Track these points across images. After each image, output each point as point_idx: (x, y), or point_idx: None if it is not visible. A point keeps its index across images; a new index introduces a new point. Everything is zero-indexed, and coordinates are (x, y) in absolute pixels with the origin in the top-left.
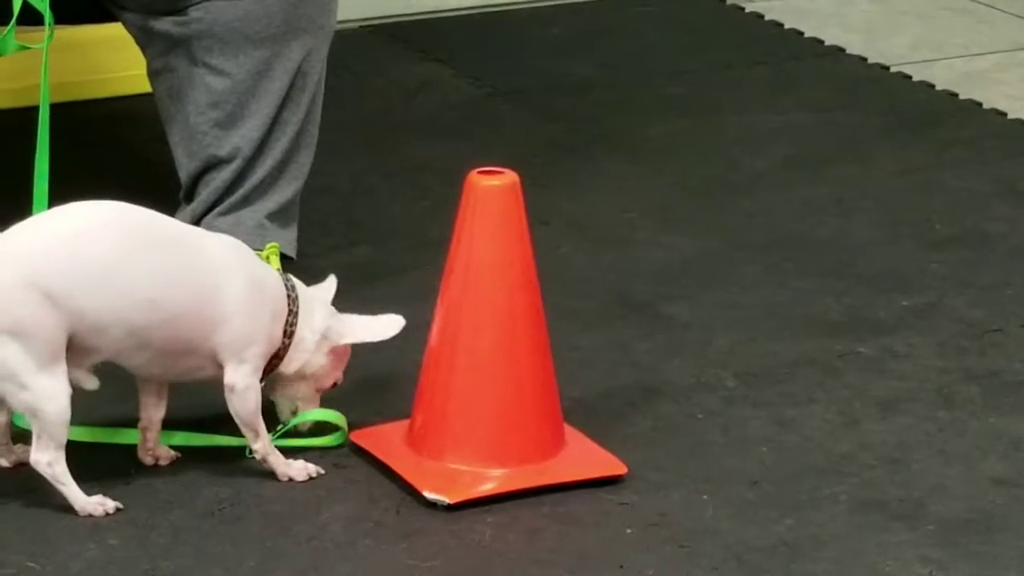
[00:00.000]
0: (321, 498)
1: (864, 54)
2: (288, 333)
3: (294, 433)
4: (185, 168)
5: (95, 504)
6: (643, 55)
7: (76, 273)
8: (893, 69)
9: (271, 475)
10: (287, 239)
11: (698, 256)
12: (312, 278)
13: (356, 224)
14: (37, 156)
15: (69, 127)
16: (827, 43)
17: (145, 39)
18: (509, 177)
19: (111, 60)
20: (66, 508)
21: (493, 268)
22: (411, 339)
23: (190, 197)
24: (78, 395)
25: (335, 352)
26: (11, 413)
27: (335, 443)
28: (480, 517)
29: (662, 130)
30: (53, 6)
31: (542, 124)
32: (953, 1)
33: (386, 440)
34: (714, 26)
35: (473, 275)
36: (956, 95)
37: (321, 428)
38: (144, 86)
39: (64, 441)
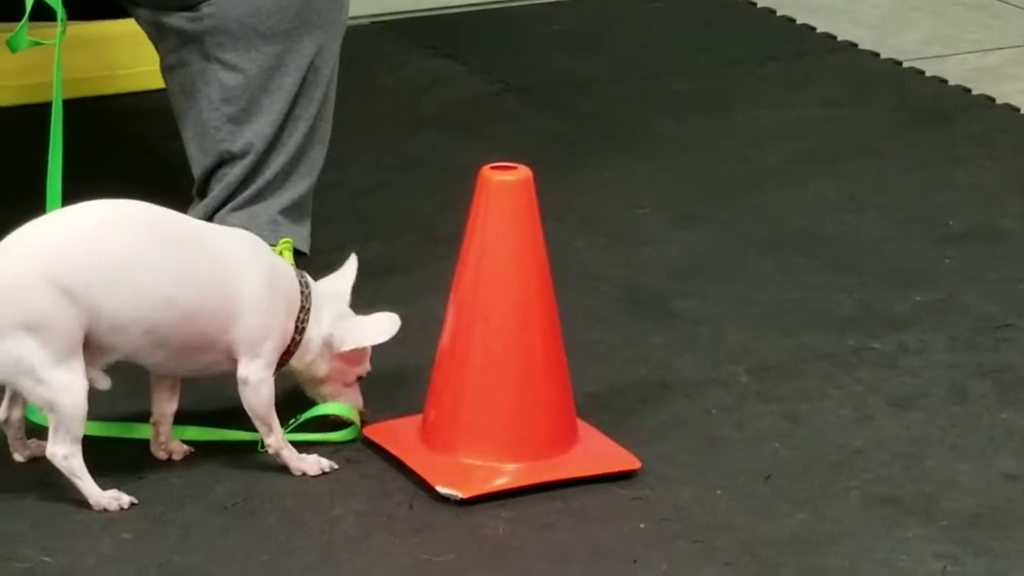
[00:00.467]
0: (334, 493)
1: (876, 49)
2: (299, 329)
3: (308, 427)
4: (198, 164)
5: (110, 498)
6: (654, 51)
7: (94, 270)
8: (906, 64)
9: (284, 470)
10: (300, 235)
11: (710, 252)
12: (325, 273)
13: (368, 220)
14: (50, 152)
15: (82, 123)
16: (839, 38)
17: (158, 35)
18: (522, 172)
19: (124, 56)
20: (80, 503)
21: (506, 263)
22: (424, 334)
23: (203, 193)
24: (91, 391)
25: (343, 355)
26: (26, 407)
27: (348, 438)
28: (493, 512)
29: (674, 126)
30: (66, 2)
31: (553, 120)
32: None
33: (399, 435)
34: (725, 21)
35: (486, 270)
36: (969, 90)
37: (335, 423)
38: (157, 82)
39: (80, 435)
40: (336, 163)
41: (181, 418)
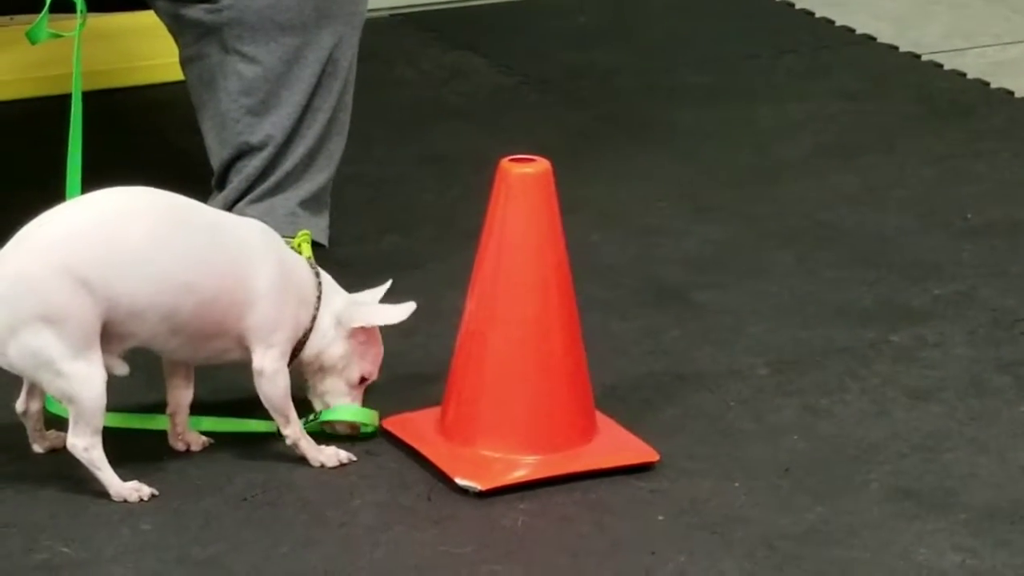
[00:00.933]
0: (353, 484)
1: (895, 43)
2: (312, 317)
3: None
4: (217, 155)
5: (131, 489)
6: (673, 44)
7: (110, 259)
8: (924, 58)
9: (303, 461)
10: (319, 226)
11: (729, 244)
12: (343, 266)
13: (386, 212)
14: (70, 144)
15: (101, 115)
16: (858, 31)
17: (177, 27)
18: (541, 165)
19: (143, 48)
20: (99, 494)
21: (525, 256)
22: (443, 327)
23: (222, 184)
24: (109, 380)
25: (356, 341)
26: (44, 399)
27: (366, 432)
28: (512, 504)
29: (692, 119)
30: None
31: (572, 113)
32: None
33: (418, 427)
34: (744, 15)
35: (505, 263)
36: (988, 84)
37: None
38: (176, 74)
39: (100, 426)
40: (355, 155)
41: (198, 409)
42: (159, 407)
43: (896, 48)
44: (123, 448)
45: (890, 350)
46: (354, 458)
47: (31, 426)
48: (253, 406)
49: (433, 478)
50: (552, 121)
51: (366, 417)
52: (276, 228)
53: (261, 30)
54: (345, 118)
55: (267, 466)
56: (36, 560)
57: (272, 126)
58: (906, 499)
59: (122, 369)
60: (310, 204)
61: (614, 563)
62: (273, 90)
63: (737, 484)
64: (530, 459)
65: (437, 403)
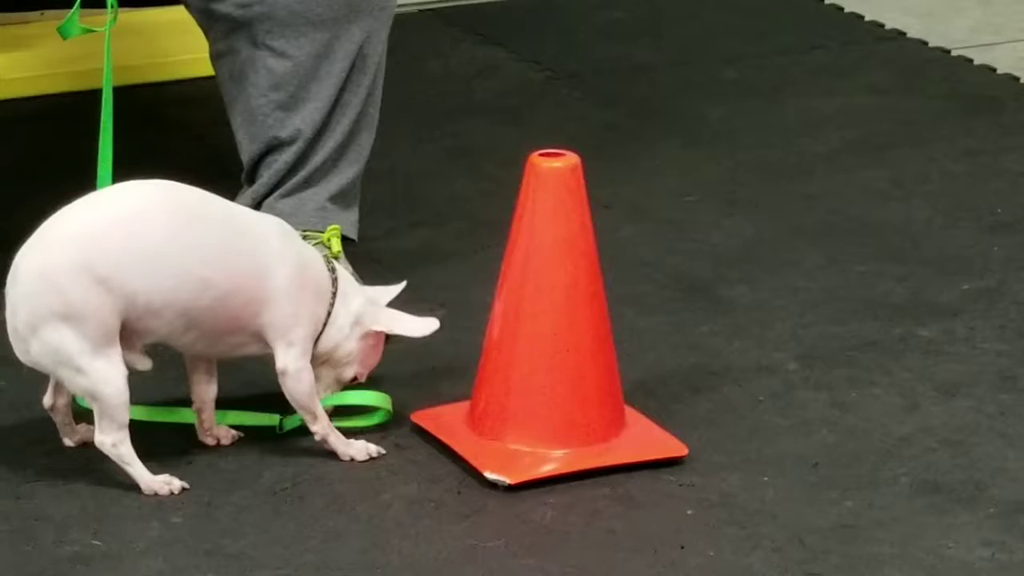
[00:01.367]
0: (382, 478)
1: (925, 38)
2: (328, 312)
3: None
4: (247, 150)
5: (161, 483)
6: (702, 39)
7: (127, 256)
8: (954, 53)
9: (333, 455)
10: (348, 221)
11: (758, 239)
12: (372, 261)
13: (415, 207)
14: (101, 139)
15: (132, 110)
16: (887, 27)
17: (207, 22)
18: (571, 159)
19: (173, 43)
20: (129, 487)
21: (554, 250)
22: (472, 321)
23: (252, 179)
24: (135, 375)
25: (365, 343)
26: (71, 393)
27: (383, 420)
28: (541, 498)
29: (722, 114)
30: None
31: (601, 107)
32: None
33: (447, 421)
34: (773, 10)
35: (534, 257)
36: (1018, 79)
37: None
38: (206, 69)
39: (126, 421)
40: (384, 150)
41: (227, 403)
42: (187, 401)
43: (926, 43)
44: (153, 442)
45: (919, 344)
46: (383, 452)
47: (60, 420)
48: (280, 400)
49: (462, 472)
50: (581, 116)
51: (379, 401)
52: (305, 223)
53: (291, 25)
54: (374, 113)
55: (297, 460)
56: (67, 552)
57: (302, 121)
58: (935, 493)
59: (145, 364)
60: (339, 199)
61: (643, 557)
62: (303, 85)
63: (766, 478)
64: (559, 453)
65: (466, 397)
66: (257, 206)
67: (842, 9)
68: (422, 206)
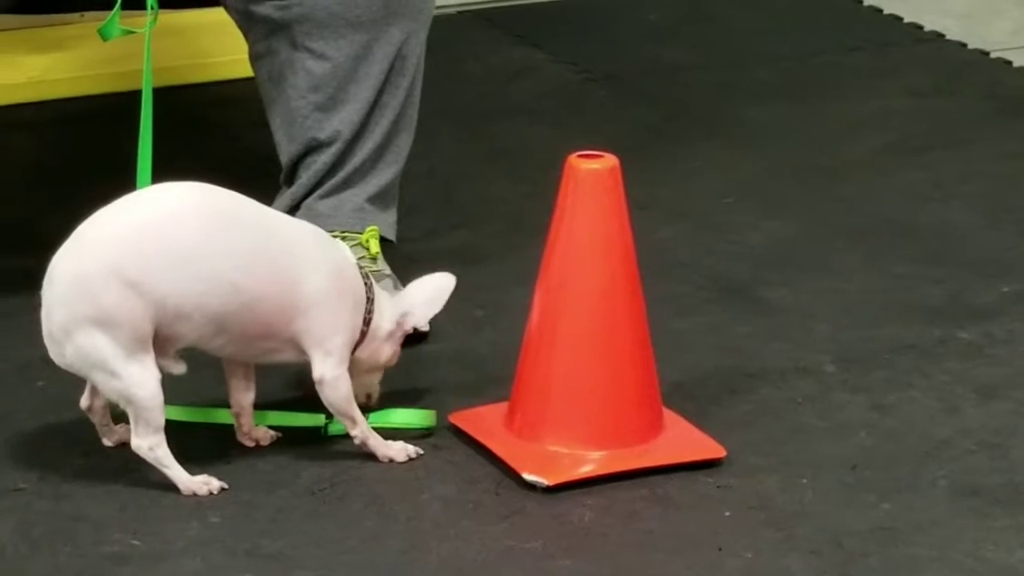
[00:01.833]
0: (421, 479)
1: (964, 39)
2: (366, 321)
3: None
4: (286, 151)
5: (200, 483)
6: (739, 40)
7: (158, 260)
8: (993, 54)
9: (371, 456)
10: (387, 222)
11: (796, 241)
12: (411, 262)
13: (454, 208)
14: (140, 140)
15: (172, 111)
16: (926, 28)
17: (246, 24)
18: (609, 160)
19: (213, 45)
20: (167, 487)
21: (593, 251)
22: (510, 322)
23: (291, 180)
24: (171, 376)
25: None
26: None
27: (427, 424)
28: (579, 499)
29: (759, 115)
30: None
31: (638, 109)
32: None
33: (485, 422)
34: (812, 11)
35: (573, 258)
36: None
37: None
38: (246, 70)
39: (161, 424)
40: (422, 152)
41: (268, 405)
42: (224, 402)
43: (964, 45)
44: (191, 442)
45: (958, 347)
46: (422, 452)
47: (97, 421)
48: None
49: (500, 473)
50: (619, 117)
51: (424, 420)
52: (344, 224)
53: (330, 26)
54: (413, 114)
55: (335, 460)
56: (106, 552)
57: (340, 122)
58: (974, 496)
59: (179, 368)
60: (378, 200)
61: (681, 558)
62: (341, 86)
63: (804, 480)
64: (597, 454)
65: (504, 398)
66: (296, 207)
67: (881, 11)
68: (460, 207)
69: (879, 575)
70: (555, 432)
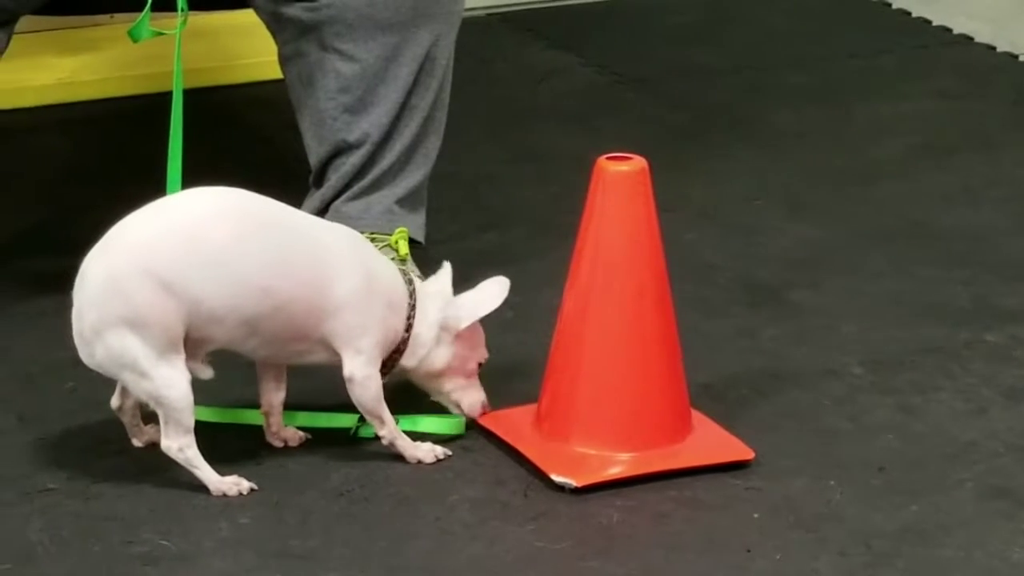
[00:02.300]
0: (449, 480)
1: (992, 42)
2: (407, 327)
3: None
4: (315, 153)
5: (230, 484)
6: (768, 43)
7: (191, 262)
8: (1022, 58)
9: (400, 457)
10: (416, 224)
11: (825, 244)
12: (439, 264)
13: (483, 210)
14: (170, 141)
15: (201, 113)
16: (955, 31)
17: (276, 25)
18: (638, 163)
19: (242, 46)
20: (197, 487)
21: (622, 253)
22: (539, 324)
23: (320, 182)
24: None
25: (461, 337)
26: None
27: (456, 431)
28: (607, 501)
29: (788, 118)
30: None
31: (667, 111)
32: None
33: (513, 423)
34: (840, 14)
35: (602, 260)
36: None
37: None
38: (275, 72)
39: (191, 425)
40: (451, 154)
41: (298, 406)
42: (254, 403)
43: (993, 48)
44: (221, 443)
45: (985, 349)
46: (450, 454)
47: (127, 421)
48: (348, 401)
49: (529, 474)
50: (648, 120)
51: (452, 428)
52: (373, 225)
53: (359, 28)
54: (442, 116)
55: (364, 461)
56: (136, 552)
57: (369, 124)
58: (1001, 498)
59: (206, 373)
60: (407, 202)
61: (709, 560)
62: (371, 88)
63: (832, 482)
64: (625, 456)
65: (533, 400)
66: (325, 209)
67: (909, 14)
68: (489, 209)
69: None
70: (584, 434)
